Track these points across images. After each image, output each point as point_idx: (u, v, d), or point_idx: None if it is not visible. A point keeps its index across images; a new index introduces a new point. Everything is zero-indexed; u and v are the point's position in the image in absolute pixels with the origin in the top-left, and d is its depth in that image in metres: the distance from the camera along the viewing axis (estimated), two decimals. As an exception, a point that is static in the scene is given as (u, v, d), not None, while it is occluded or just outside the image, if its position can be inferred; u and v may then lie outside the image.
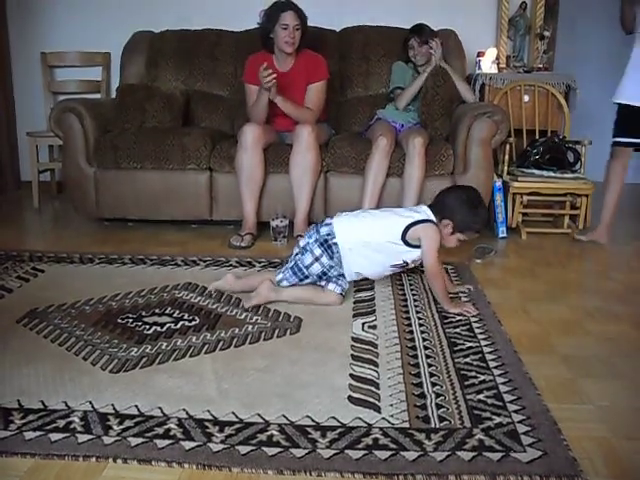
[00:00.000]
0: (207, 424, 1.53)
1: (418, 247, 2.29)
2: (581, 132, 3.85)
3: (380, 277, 2.48)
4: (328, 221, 2.35)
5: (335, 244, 2.28)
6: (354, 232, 2.31)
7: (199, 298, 2.40)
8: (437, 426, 1.53)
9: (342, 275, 2.34)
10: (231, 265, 2.82)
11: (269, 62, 3.43)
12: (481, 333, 2.09)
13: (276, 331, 2.10)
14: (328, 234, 2.29)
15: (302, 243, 2.36)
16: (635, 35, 3.08)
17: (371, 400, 1.65)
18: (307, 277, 2.33)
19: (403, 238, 2.27)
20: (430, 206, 2.37)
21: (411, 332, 2.10)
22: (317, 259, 2.29)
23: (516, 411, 1.59)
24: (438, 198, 2.41)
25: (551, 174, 3.44)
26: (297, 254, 2.35)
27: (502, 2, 4.23)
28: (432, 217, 2.32)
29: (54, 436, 1.47)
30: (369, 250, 2.30)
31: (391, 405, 1.62)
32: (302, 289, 2.35)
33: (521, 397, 1.66)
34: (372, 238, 2.30)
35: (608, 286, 2.66)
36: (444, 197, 2.39)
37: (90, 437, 1.47)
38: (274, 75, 3.16)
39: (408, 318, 2.22)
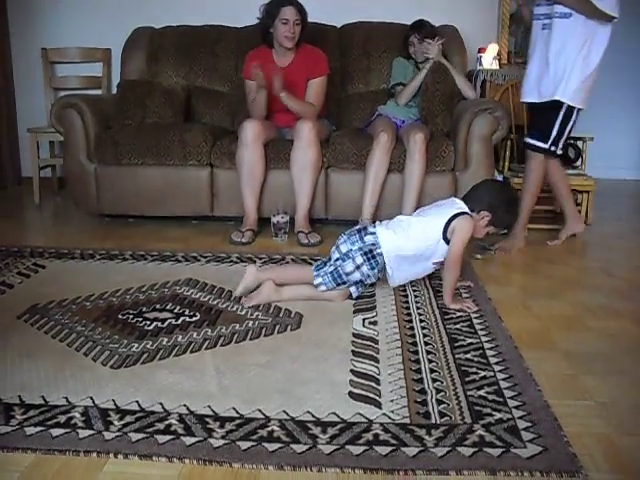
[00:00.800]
0: (208, 420, 1.53)
1: None
2: (582, 128, 3.84)
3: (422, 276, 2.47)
4: (371, 229, 2.30)
5: (380, 254, 2.25)
6: (398, 242, 2.26)
7: (200, 294, 2.40)
8: (438, 422, 1.53)
9: (361, 282, 2.32)
10: (232, 261, 2.82)
11: (268, 57, 3.43)
12: (482, 329, 2.09)
13: (277, 327, 2.10)
14: (373, 244, 2.25)
15: (344, 249, 2.28)
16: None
17: (372, 396, 1.65)
18: (345, 283, 2.30)
19: (445, 237, 2.24)
20: (466, 197, 2.36)
21: (412, 328, 2.10)
22: (358, 267, 2.25)
23: (517, 407, 1.59)
24: (478, 190, 2.40)
25: (552, 170, 3.43)
26: (337, 259, 2.28)
27: (503, -2, 4.23)
28: (466, 209, 2.30)
29: (55, 431, 1.48)
30: (414, 257, 2.28)
31: (392, 401, 1.63)
32: (304, 287, 2.34)
33: (522, 393, 1.66)
34: (415, 244, 2.26)
35: (609, 282, 2.65)
36: (487, 190, 2.38)
37: (91, 432, 1.47)
38: (259, 72, 3.18)
39: (409, 314, 2.22)
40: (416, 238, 2.27)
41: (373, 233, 2.28)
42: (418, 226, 2.29)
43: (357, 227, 2.35)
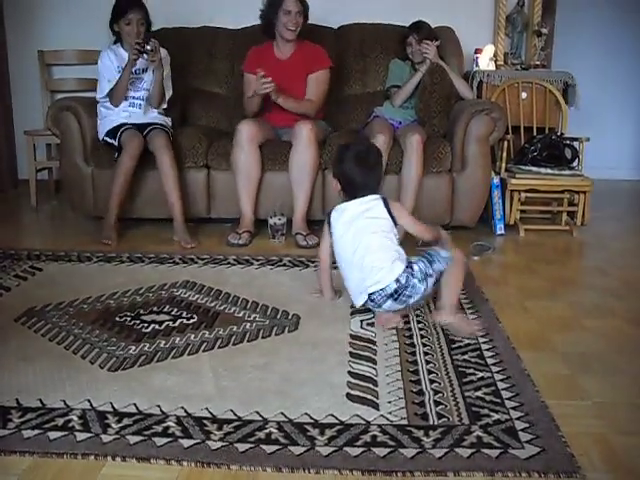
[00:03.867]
0: (205, 422, 1.53)
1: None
2: (579, 129, 3.85)
3: None
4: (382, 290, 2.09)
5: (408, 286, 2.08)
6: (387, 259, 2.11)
7: (197, 296, 2.40)
8: (435, 423, 1.53)
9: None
10: (229, 263, 2.81)
11: (269, 50, 3.44)
12: (479, 330, 2.09)
13: (274, 329, 2.10)
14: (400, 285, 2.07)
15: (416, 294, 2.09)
16: None
17: (369, 397, 1.65)
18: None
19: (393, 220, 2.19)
20: (366, 190, 2.28)
21: (409, 329, 2.10)
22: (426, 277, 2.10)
23: (514, 408, 1.60)
24: (374, 182, 2.32)
25: (549, 171, 3.44)
26: (421, 282, 2.08)
27: (499, -1, 4.23)
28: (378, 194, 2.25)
29: (52, 434, 1.48)
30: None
31: (389, 402, 1.63)
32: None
33: (519, 394, 1.67)
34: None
35: (606, 283, 2.66)
36: (372, 176, 2.31)
37: (89, 435, 1.47)
38: (272, 85, 3.17)
39: (406, 315, 2.22)
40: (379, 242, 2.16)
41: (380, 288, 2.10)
42: (368, 233, 2.19)
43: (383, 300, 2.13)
